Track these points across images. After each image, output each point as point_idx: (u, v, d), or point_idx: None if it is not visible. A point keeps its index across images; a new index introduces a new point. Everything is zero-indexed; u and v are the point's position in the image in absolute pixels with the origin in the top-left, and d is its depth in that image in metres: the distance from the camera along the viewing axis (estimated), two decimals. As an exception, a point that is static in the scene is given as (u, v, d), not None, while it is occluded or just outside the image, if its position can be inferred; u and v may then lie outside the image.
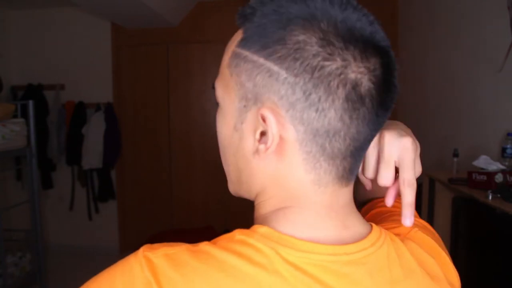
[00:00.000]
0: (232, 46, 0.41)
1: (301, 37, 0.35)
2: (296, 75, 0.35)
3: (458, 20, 2.09)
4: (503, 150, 1.51)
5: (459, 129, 2.04)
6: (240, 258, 0.35)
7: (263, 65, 0.37)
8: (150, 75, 3.64)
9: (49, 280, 2.93)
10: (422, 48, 2.62)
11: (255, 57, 0.37)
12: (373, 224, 0.43)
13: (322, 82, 0.35)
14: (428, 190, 1.77)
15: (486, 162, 1.46)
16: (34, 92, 3.58)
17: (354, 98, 0.36)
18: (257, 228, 0.39)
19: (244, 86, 0.39)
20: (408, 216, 0.43)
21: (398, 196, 0.46)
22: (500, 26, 1.60)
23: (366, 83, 0.36)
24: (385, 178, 0.45)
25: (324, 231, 0.39)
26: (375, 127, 0.39)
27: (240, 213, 3.54)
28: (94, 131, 3.49)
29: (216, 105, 0.44)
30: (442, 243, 0.49)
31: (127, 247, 3.70)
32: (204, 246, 0.37)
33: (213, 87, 0.44)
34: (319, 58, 0.35)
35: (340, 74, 0.35)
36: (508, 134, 1.51)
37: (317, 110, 0.36)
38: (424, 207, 1.80)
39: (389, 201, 0.46)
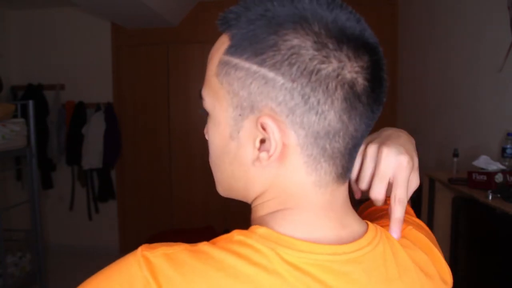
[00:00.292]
0: (218, 53, 0.40)
1: (295, 42, 0.35)
2: (293, 80, 0.35)
3: (458, 20, 2.09)
4: (503, 150, 1.51)
5: (459, 129, 2.04)
6: (239, 258, 0.35)
7: (257, 73, 0.36)
8: (150, 75, 3.64)
9: (49, 280, 2.94)
10: (422, 48, 2.62)
11: (247, 65, 0.36)
12: (369, 223, 0.44)
13: (320, 85, 0.35)
14: (428, 190, 1.77)
15: (486, 162, 1.46)
16: (34, 92, 3.58)
17: (352, 98, 0.36)
18: (256, 229, 0.39)
19: (237, 95, 0.38)
20: (395, 231, 0.44)
21: (389, 197, 0.47)
22: (500, 26, 1.60)
23: (361, 82, 0.36)
24: (377, 192, 0.46)
25: (322, 231, 0.39)
26: (370, 123, 0.40)
27: (240, 213, 3.54)
28: (94, 131, 3.49)
29: (201, 114, 0.44)
30: (435, 240, 0.50)
31: (127, 247, 3.69)
32: (203, 246, 0.37)
33: (201, 97, 0.43)
34: (315, 62, 0.35)
35: (337, 76, 0.35)
36: (508, 134, 1.51)
37: (317, 113, 0.36)
38: (424, 207, 1.80)
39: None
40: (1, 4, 3.56)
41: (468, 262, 1.57)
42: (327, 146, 0.37)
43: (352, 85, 0.36)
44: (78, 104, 3.60)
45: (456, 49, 2.10)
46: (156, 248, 0.36)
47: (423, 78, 2.56)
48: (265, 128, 0.37)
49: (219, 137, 0.41)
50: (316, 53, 0.35)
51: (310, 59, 0.35)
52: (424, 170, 1.94)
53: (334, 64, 0.35)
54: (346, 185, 0.42)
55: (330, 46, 0.35)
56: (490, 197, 1.26)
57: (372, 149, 0.47)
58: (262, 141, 0.38)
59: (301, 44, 0.35)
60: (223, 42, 0.39)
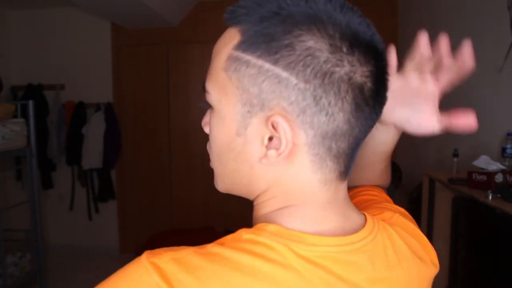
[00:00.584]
0: (227, 48, 0.39)
1: (310, 43, 0.35)
2: (306, 81, 0.35)
3: (458, 20, 2.09)
4: (503, 150, 1.51)
5: (459, 129, 2.03)
6: (255, 256, 0.36)
7: (270, 71, 0.36)
8: (150, 75, 3.64)
9: (49, 280, 2.94)
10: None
11: (259, 62, 0.36)
12: (366, 213, 0.45)
13: (332, 87, 0.36)
14: (428, 190, 1.77)
15: (486, 162, 1.46)
16: (34, 92, 3.58)
17: (360, 101, 0.37)
18: (265, 226, 0.39)
19: (247, 91, 0.38)
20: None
21: (373, 186, 0.49)
22: (500, 26, 1.60)
23: (369, 85, 0.37)
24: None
25: (328, 225, 0.41)
26: (373, 125, 0.41)
27: (240, 213, 3.54)
28: (94, 131, 3.49)
29: (202, 107, 0.44)
30: (418, 226, 0.53)
31: (127, 247, 3.70)
32: (212, 248, 0.37)
33: (204, 90, 0.42)
34: (330, 65, 0.35)
35: (349, 79, 0.36)
36: (508, 134, 1.51)
37: (327, 114, 0.36)
38: (424, 207, 1.80)
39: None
40: (1, 4, 3.56)
41: (468, 262, 1.57)
42: (333, 145, 0.38)
43: (361, 88, 0.37)
44: (78, 104, 3.60)
45: (456, 49, 2.10)
46: (162, 254, 0.36)
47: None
48: (275, 126, 0.37)
49: (224, 133, 0.41)
50: (330, 55, 0.35)
51: (324, 61, 0.35)
52: (424, 170, 1.94)
53: (347, 67, 0.36)
54: (346, 181, 0.43)
55: (344, 49, 0.36)
56: (490, 197, 1.26)
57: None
58: (269, 139, 0.38)
59: (316, 46, 0.35)
60: (232, 37, 0.39)
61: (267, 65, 0.36)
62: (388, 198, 0.62)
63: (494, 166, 1.44)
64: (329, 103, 0.36)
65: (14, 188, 3.66)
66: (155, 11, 2.91)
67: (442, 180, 1.63)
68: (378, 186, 0.66)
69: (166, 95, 3.63)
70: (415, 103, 0.51)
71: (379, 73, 0.38)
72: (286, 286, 0.35)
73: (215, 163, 0.45)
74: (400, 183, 2.67)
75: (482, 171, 1.40)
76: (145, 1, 2.67)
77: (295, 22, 0.36)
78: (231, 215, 3.56)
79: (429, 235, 1.75)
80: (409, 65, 0.51)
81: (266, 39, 0.36)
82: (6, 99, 3.52)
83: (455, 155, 1.74)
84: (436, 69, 0.49)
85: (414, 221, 0.52)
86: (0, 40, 3.62)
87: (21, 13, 3.71)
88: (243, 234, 0.38)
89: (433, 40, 0.50)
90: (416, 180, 2.32)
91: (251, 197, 0.45)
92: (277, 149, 0.38)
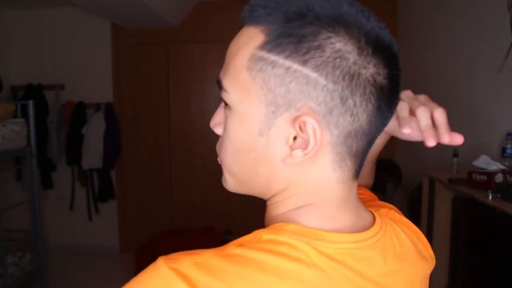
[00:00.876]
0: (249, 47, 0.39)
1: (339, 45, 0.36)
2: (335, 83, 0.36)
3: (458, 20, 2.09)
4: (503, 150, 1.51)
5: (459, 129, 2.03)
6: (279, 256, 0.36)
7: (298, 72, 0.36)
8: (150, 75, 3.64)
9: (49, 280, 2.93)
10: (422, 48, 2.62)
11: (287, 63, 0.36)
12: (372, 211, 0.47)
13: (359, 89, 0.37)
14: (428, 190, 1.77)
15: (486, 162, 1.46)
16: (34, 92, 3.58)
17: (381, 102, 0.39)
18: (284, 226, 0.40)
19: (273, 92, 0.38)
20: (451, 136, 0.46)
21: (359, 185, 0.50)
22: (500, 26, 1.61)
23: (389, 86, 0.39)
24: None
25: (343, 222, 0.42)
26: (387, 123, 0.42)
27: (240, 214, 3.55)
28: (94, 131, 3.49)
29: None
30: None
31: (127, 247, 3.70)
32: (234, 249, 0.37)
33: (221, 88, 0.42)
34: (357, 67, 0.36)
35: (374, 81, 0.37)
36: (508, 134, 1.51)
37: (351, 114, 0.37)
38: (424, 207, 1.80)
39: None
40: (1, 4, 3.56)
41: (468, 262, 1.57)
42: (354, 145, 0.39)
43: (383, 90, 0.38)
44: (78, 104, 3.60)
45: (456, 49, 2.10)
46: (181, 259, 0.35)
47: (423, 78, 2.56)
48: (302, 127, 0.37)
49: (245, 133, 0.41)
50: (358, 58, 0.36)
51: (353, 63, 0.36)
52: (424, 170, 1.94)
53: (372, 69, 0.37)
54: (357, 180, 0.44)
55: (370, 52, 0.37)
56: (490, 197, 1.26)
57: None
58: (293, 139, 0.39)
59: (345, 48, 0.36)
60: (253, 37, 0.39)
61: (295, 66, 0.36)
62: (374, 195, 0.64)
63: (494, 166, 1.44)
64: (355, 104, 0.37)
65: (14, 188, 3.66)
66: (155, 11, 2.91)
67: (442, 180, 1.63)
68: (362, 185, 0.68)
69: (166, 95, 3.63)
70: None
71: (396, 74, 0.39)
72: (311, 284, 0.36)
73: (229, 162, 0.44)
74: (400, 183, 2.67)
75: (482, 171, 1.40)
76: (145, 1, 2.67)
77: (323, 24, 0.36)
78: (231, 215, 3.56)
79: (429, 235, 1.75)
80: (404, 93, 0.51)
81: (294, 40, 0.36)
82: (6, 99, 3.52)
83: (455, 155, 1.74)
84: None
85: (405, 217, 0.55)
86: (0, 40, 3.62)
87: (21, 13, 3.71)
88: (263, 234, 0.39)
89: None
90: (416, 180, 2.32)
91: (265, 197, 0.45)
92: (302, 148, 0.38)
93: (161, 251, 0.42)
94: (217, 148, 0.46)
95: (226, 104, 0.42)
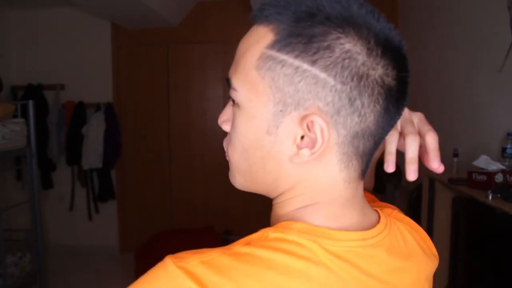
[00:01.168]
0: (259, 46, 0.39)
1: (349, 46, 0.36)
2: (343, 83, 0.36)
3: (458, 19, 2.09)
4: (503, 150, 1.51)
5: (459, 129, 2.04)
6: (286, 254, 0.36)
7: (307, 72, 0.37)
8: (150, 75, 3.64)
9: (49, 280, 2.93)
10: (422, 48, 2.62)
11: (296, 62, 0.37)
12: (378, 210, 0.47)
13: (367, 89, 0.37)
14: (428, 190, 1.77)
15: (486, 162, 1.46)
16: (34, 92, 3.58)
17: (389, 103, 0.39)
18: (291, 225, 0.40)
19: (282, 90, 0.38)
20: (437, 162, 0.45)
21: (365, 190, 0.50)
22: (500, 26, 1.60)
23: (397, 88, 0.39)
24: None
25: (349, 221, 0.42)
26: (394, 124, 0.42)
27: (240, 214, 3.55)
28: (94, 131, 3.49)
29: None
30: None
31: (127, 247, 3.70)
32: (241, 248, 0.37)
33: (230, 86, 0.42)
34: (366, 68, 0.36)
35: (383, 82, 0.38)
36: (508, 134, 1.51)
37: (359, 115, 0.38)
38: (424, 207, 1.80)
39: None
40: (1, 4, 3.56)
41: (468, 262, 1.57)
42: (361, 145, 0.40)
43: (391, 91, 0.38)
44: (78, 104, 3.60)
45: (456, 49, 2.10)
46: (189, 258, 0.36)
47: (423, 78, 2.56)
48: (310, 126, 0.38)
49: (253, 131, 0.41)
50: (367, 59, 0.36)
51: (362, 64, 0.36)
52: (424, 170, 1.94)
53: (380, 71, 0.37)
54: (363, 181, 0.45)
55: (379, 53, 0.37)
56: (490, 197, 1.26)
57: None
58: (301, 138, 0.39)
59: (354, 49, 0.36)
60: (263, 36, 0.39)
61: (305, 66, 0.37)
62: (374, 197, 0.64)
63: (494, 166, 1.44)
64: (363, 105, 0.37)
65: (14, 188, 3.66)
66: (155, 11, 2.91)
67: (442, 180, 1.63)
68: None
69: (166, 95, 3.63)
70: None
71: (405, 76, 0.39)
72: (318, 282, 0.36)
73: (238, 160, 0.44)
74: (400, 183, 2.67)
75: (482, 171, 1.40)
76: (145, 1, 2.67)
77: (333, 24, 0.36)
78: (231, 215, 3.56)
79: (429, 235, 1.74)
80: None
81: (304, 40, 0.36)
82: (6, 99, 3.52)
83: (455, 155, 1.74)
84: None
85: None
86: (0, 40, 3.62)
87: (21, 13, 3.71)
88: (269, 233, 0.39)
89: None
90: (416, 180, 2.32)
91: (271, 195, 0.45)
92: (309, 148, 0.38)
93: (161, 251, 0.42)
94: (224, 144, 0.46)
95: (234, 102, 0.42)
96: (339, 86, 0.36)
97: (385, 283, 0.41)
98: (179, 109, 3.63)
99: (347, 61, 0.36)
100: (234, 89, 0.41)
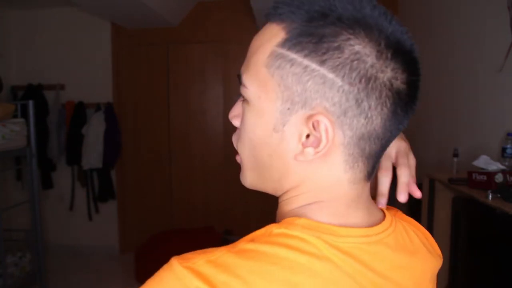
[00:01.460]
0: (269, 44, 0.39)
1: (358, 47, 0.36)
2: (351, 84, 0.36)
3: (458, 20, 2.09)
4: (503, 150, 1.51)
5: (459, 129, 2.04)
6: (291, 249, 0.36)
7: (316, 71, 0.37)
8: (150, 75, 3.64)
9: (49, 280, 2.93)
10: (421, 48, 2.62)
11: (305, 62, 0.37)
12: (384, 209, 0.48)
13: (374, 92, 0.37)
14: (428, 190, 1.77)
15: (486, 162, 1.46)
16: (34, 92, 3.58)
17: (397, 107, 0.39)
18: (295, 221, 0.40)
19: (290, 89, 0.38)
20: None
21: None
22: (500, 26, 1.60)
23: (407, 91, 0.39)
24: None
25: (355, 219, 0.42)
26: (403, 128, 0.42)
27: (240, 214, 3.55)
28: (94, 131, 3.49)
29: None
30: None
31: (127, 247, 3.70)
32: (246, 245, 0.37)
33: (241, 83, 0.42)
34: (374, 70, 0.37)
35: (391, 85, 0.38)
36: (508, 134, 1.51)
37: (366, 117, 0.38)
38: (424, 207, 1.80)
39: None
40: (1, 4, 3.56)
41: (468, 262, 1.57)
42: (367, 147, 0.40)
43: (399, 94, 0.38)
44: (78, 104, 3.60)
45: (456, 49, 2.10)
46: (194, 258, 0.36)
47: (423, 78, 2.56)
48: (315, 125, 0.38)
49: (261, 128, 0.41)
50: (376, 61, 0.37)
51: (370, 66, 0.36)
52: (424, 170, 1.94)
53: (389, 74, 0.37)
54: (369, 182, 0.45)
55: (389, 56, 0.37)
56: (490, 197, 1.26)
57: None
58: (306, 136, 0.39)
59: (364, 51, 0.36)
60: (275, 34, 0.39)
61: (313, 65, 0.37)
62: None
63: (494, 166, 1.44)
64: (370, 107, 0.37)
65: (14, 188, 3.66)
66: (155, 11, 2.91)
67: (442, 180, 1.63)
68: None
69: (166, 95, 3.63)
70: None
71: (415, 80, 0.40)
72: (323, 277, 0.36)
73: (246, 157, 0.45)
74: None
75: (482, 171, 1.40)
76: (145, 1, 2.67)
77: (344, 25, 0.36)
78: (231, 215, 3.56)
79: (429, 235, 1.75)
80: None
81: (314, 39, 0.37)
82: (6, 99, 3.52)
83: (455, 155, 1.74)
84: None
85: None
86: (0, 40, 3.62)
87: (21, 13, 3.71)
88: (273, 229, 0.39)
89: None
90: (416, 180, 2.32)
91: (278, 193, 0.45)
92: (314, 147, 0.39)
93: (161, 251, 0.43)
94: (233, 140, 0.47)
95: (244, 98, 0.43)
96: (346, 87, 0.36)
97: (389, 280, 0.41)
98: (179, 109, 3.63)
99: (355, 62, 0.36)
100: (244, 85, 0.42)
